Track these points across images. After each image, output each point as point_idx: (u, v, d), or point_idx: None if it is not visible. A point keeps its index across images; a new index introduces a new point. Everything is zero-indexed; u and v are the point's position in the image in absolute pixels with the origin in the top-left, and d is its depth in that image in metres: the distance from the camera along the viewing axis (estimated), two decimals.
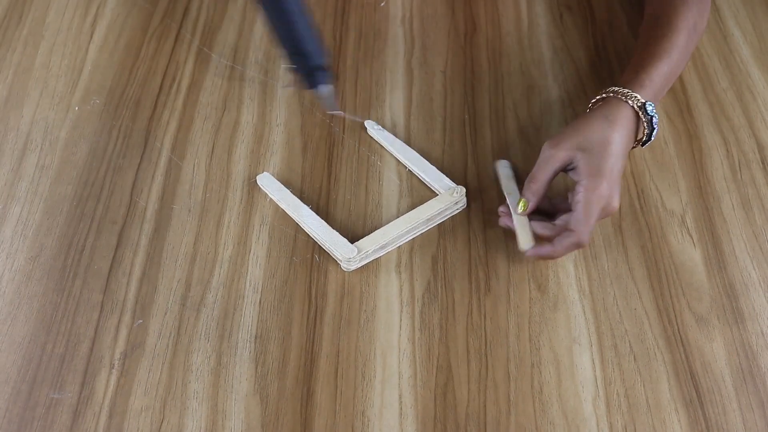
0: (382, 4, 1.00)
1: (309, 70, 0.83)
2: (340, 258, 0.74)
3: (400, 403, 0.67)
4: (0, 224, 0.78)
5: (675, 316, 0.72)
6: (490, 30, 0.97)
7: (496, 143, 0.85)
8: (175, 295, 0.73)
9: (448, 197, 0.78)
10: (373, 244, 0.75)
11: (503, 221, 0.76)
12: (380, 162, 0.83)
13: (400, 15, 0.98)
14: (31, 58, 0.93)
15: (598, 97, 0.79)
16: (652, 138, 0.78)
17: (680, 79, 0.91)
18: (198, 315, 0.72)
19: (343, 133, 0.86)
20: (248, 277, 0.74)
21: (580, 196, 0.72)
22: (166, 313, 0.72)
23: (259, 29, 0.96)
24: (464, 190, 0.79)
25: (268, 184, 0.80)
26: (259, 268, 0.75)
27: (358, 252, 0.74)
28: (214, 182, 0.81)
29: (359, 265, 0.75)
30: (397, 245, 0.77)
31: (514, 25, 0.98)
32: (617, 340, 0.71)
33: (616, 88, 0.77)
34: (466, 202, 0.79)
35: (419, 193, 0.80)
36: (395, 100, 0.89)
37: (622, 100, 0.76)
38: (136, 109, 0.88)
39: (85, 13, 0.98)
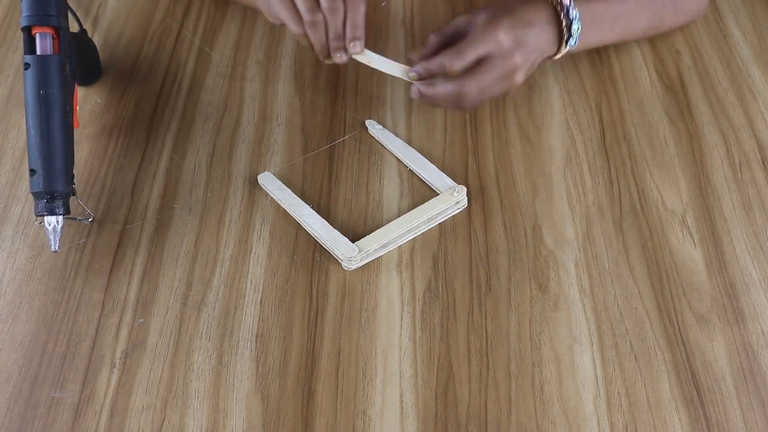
0: (383, 4, 1.00)
1: (43, 194, 0.70)
2: (341, 257, 0.74)
3: (401, 402, 0.67)
4: (1, 223, 0.78)
5: (676, 315, 0.72)
6: None
7: (497, 142, 0.85)
8: (176, 294, 0.73)
9: (449, 197, 0.78)
10: (374, 243, 0.75)
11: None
12: (381, 162, 0.83)
13: (401, 15, 0.99)
14: None
15: None
16: (572, 33, 0.79)
17: (680, 79, 0.91)
18: (199, 314, 0.72)
19: (344, 133, 0.86)
20: (249, 276, 0.74)
21: (473, 29, 0.76)
22: (167, 312, 0.72)
23: (260, 29, 0.96)
24: (465, 189, 0.79)
25: (269, 183, 0.80)
26: (260, 267, 0.75)
27: (359, 251, 0.74)
28: (215, 181, 0.81)
29: (360, 264, 0.75)
30: (398, 244, 0.77)
31: None
32: (618, 339, 0.71)
33: None
34: (467, 201, 0.79)
35: (420, 193, 0.80)
36: (396, 100, 0.89)
37: None
38: (137, 108, 0.88)
39: (85, 13, 0.98)
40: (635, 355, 0.70)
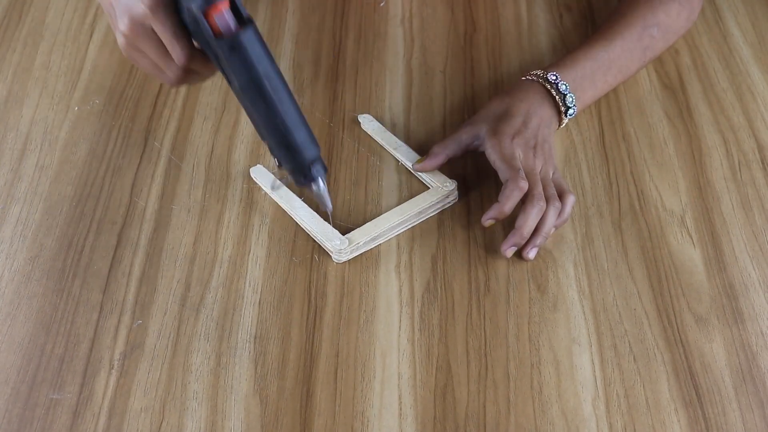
0: (382, 5, 1.00)
1: (299, 165, 0.70)
2: (331, 249, 0.75)
3: (400, 403, 0.67)
4: None
5: (675, 316, 0.72)
6: (490, 30, 0.97)
7: None
8: (175, 296, 0.73)
9: (440, 190, 0.79)
10: (364, 236, 0.75)
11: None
12: (379, 162, 0.83)
13: (399, 15, 0.98)
14: (30, 58, 0.93)
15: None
16: (569, 105, 0.81)
17: (680, 79, 0.91)
18: (197, 315, 0.72)
19: (343, 133, 0.86)
20: (248, 278, 0.74)
21: (490, 157, 0.77)
22: (165, 314, 0.72)
23: (259, 29, 0.96)
24: (456, 183, 0.79)
25: (262, 176, 0.80)
26: (259, 268, 0.75)
27: (349, 243, 0.74)
28: (213, 182, 0.81)
29: (350, 257, 0.75)
30: (389, 237, 0.77)
31: (513, 26, 0.98)
32: (617, 340, 0.71)
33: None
34: (457, 195, 0.79)
35: (420, 193, 0.80)
36: (395, 101, 0.89)
37: (527, 79, 0.82)
38: (136, 109, 0.88)
39: (84, 13, 0.98)
40: (634, 356, 0.70)
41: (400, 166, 0.83)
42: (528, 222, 0.74)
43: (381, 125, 0.85)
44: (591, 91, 0.84)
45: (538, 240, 0.74)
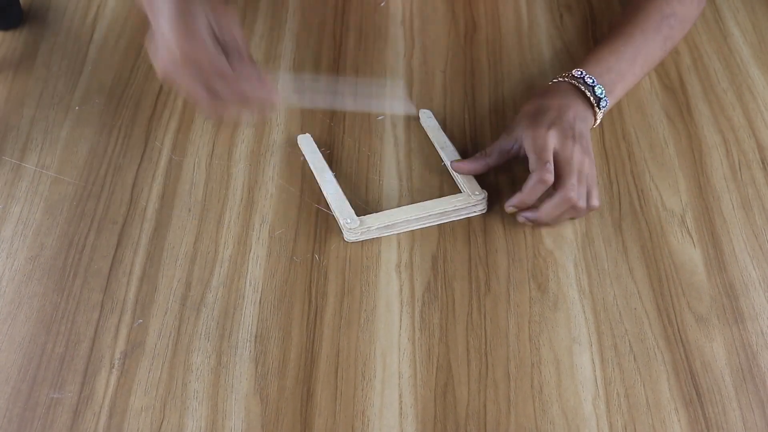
0: (382, 4, 1.00)
1: None
2: (343, 225, 0.76)
3: (400, 402, 0.67)
4: (0, 224, 0.78)
5: (675, 315, 0.72)
6: (490, 30, 0.97)
7: None
8: (175, 295, 0.73)
9: (469, 197, 0.78)
10: (377, 222, 0.76)
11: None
12: (380, 162, 0.83)
13: (400, 15, 0.99)
14: (31, 57, 0.93)
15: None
16: (599, 96, 0.80)
17: (680, 79, 0.91)
18: (198, 314, 0.72)
19: (343, 133, 0.86)
20: (248, 277, 0.74)
21: (526, 149, 0.76)
22: (166, 313, 0.72)
23: (259, 29, 0.96)
24: (485, 194, 0.79)
25: (306, 144, 0.83)
26: (259, 267, 0.75)
27: (360, 224, 0.75)
28: (214, 182, 0.81)
29: (360, 238, 0.76)
30: (402, 230, 0.77)
31: (514, 25, 0.98)
32: (617, 339, 0.71)
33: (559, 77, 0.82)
34: (486, 207, 0.79)
35: (421, 195, 0.80)
36: (395, 99, 0.89)
37: (556, 80, 0.82)
38: (137, 108, 0.88)
39: (85, 13, 0.98)
40: (634, 356, 0.70)
41: (399, 166, 0.83)
42: (546, 208, 0.75)
43: (437, 123, 0.86)
44: (620, 84, 0.83)
45: (541, 219, 0.76)
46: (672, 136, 0.86)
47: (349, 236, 0.76)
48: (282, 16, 0.98)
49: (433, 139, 0.85)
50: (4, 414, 0.66)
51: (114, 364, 0.69)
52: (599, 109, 0.81)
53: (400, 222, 0.77)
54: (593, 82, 0.80)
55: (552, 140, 0.75)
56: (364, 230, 0.76)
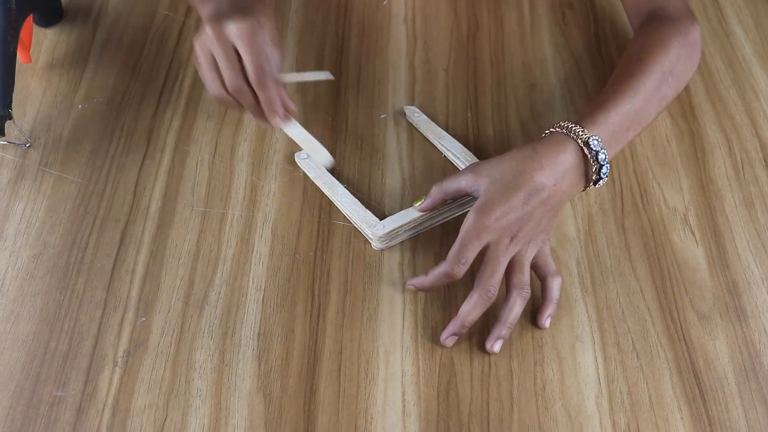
0: (385, 3, 1.00)
1: None
2: (371, 237, 0.75)
3: (403, 400, 0.67)
4: (3, 222, 0.78)
5: (678, 313, 0.72)
6: (493, 28, 0.97)
7: (499, 142, 0.85)
8: (178, 293, 0.73)
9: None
10: (395, 223, 0.76)
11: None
12: (383, 161, 0.83)
13: (402, 13, 0.99)
14: (33, 56, 0.93)
15: (545, 132, 0.74)
16: (602, 176, 0.72)
17: None
18: (201, 313, 0.72)
19: (347, 131, 0.86)
20: (251, 275, 0.74)
21: (462, 226, 0.69)
22: (169, 311, 0.72)
23: None
24: None
25: (305, 163, 0.82)
26: (262, 265, 0.75)
27: (387, 231, 0.75)
28: (217, 180, 0.81)
29: (390, 244, 0.76)
30: (428, 228, 0.78)
31: (516, 24, 0.98)
32: (620, 337, 0.71)
33: (564, 123, 0.72)
34: None
35: (424, 192, 0.80)
36: (397, 99, 0.89)
37: (563, 133, 0.72)
38: (139, 106, 0.88)
39: (87, 12, 0.98)
40: (637, 354, 0.70)
41: (402, 164, 0.83)
42: (469, 311, 0.68)
43: (427, 117, 0.86)
44: (614, 149, 0.75)
45: (503, 331, 0.69)
46: (674, 135, 0.86)
47: (377, 244, 0.76)
48: (285, 15, 0.98)
49: (426, 134, 0.84)
50: (8, 412, 0.66)
51: (117, 362, 0.69)
52: (594, 185, 0.74)
53: (425, 222, 0.77)
54: (604, 159, 0.72)
55: (489, 237, 0.68)
56: (392, 236, 0.75)
